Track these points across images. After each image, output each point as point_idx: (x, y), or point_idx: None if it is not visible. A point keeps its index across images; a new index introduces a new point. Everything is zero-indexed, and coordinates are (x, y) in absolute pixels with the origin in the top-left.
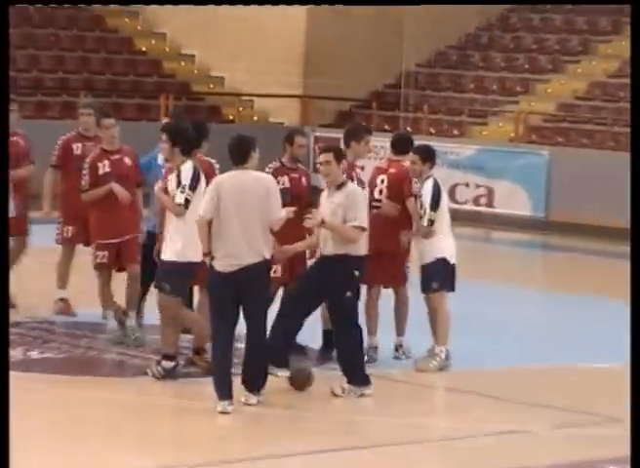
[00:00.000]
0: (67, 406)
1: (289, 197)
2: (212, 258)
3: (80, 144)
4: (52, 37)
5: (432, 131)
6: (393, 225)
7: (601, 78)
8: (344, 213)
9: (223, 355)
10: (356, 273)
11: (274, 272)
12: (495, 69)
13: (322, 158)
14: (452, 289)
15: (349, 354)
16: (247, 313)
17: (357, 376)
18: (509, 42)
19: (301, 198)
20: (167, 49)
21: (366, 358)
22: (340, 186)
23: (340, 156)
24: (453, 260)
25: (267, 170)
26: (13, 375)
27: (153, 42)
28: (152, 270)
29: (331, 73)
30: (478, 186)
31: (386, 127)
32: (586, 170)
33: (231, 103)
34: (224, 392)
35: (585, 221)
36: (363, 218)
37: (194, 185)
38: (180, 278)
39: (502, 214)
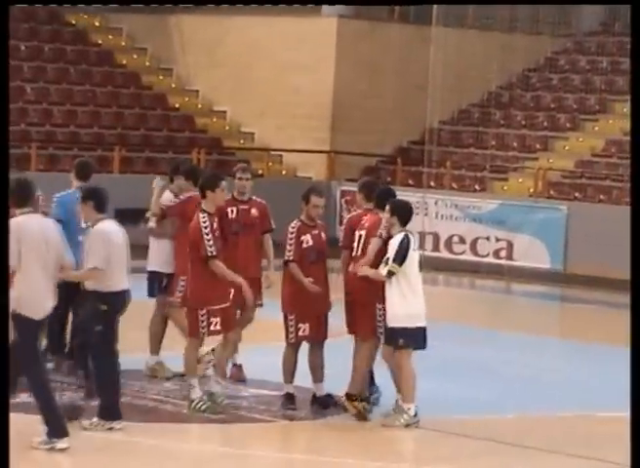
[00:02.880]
0: (102, 450)
1: (314, 254)
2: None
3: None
4: (89, 93)
5: (455, 186)
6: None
7: (618, 136)
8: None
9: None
10: (103, 308)
11: (303, 331)
12: (515, 127)
13: None
14: (422, 346)
15: (102, 386)
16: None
17: (107, 410)
18: (529, 101)
19: (323, 253)
20: (199, 105)
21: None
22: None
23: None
24: (421, 323)
25: (291, 229)
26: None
27: (186, 99)
28: None
29: (357, 129)
30: (499, 240)
31: (410, 182)
32: (603, 224)
33: (261, 158)
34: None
35: (602, 274)
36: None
37: None
38: None
39: (522, 266)
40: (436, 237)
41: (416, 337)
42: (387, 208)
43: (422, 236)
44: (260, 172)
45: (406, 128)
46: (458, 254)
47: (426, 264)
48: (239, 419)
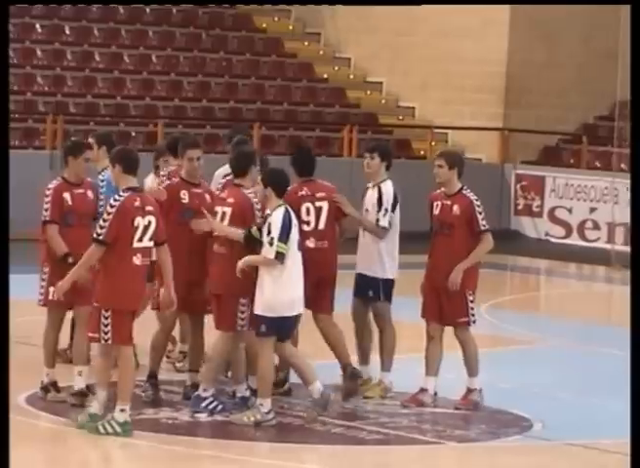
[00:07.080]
0: None
1: None
2: None
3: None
4: (223, 62)
5: None
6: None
7: None
8: None
9: None
10: None
11: None
12: None
13: None
14: (287, 336)
15: None
16: None
17: None
18: None
19: None
20: (351, 76)
21: None
22: None
23: None
24: (293, 313)
25: None
26: (178, 440)
27: (336, 68)
28: None
29: (535, 103)
30: None
31: (598, 164)
32: None
33: (423, 137)
34: None
35: None
36: None
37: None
38: None
39: None
40: (629, 229)
41: (282, 326)
42: (260, 178)
43: (612, 228)
44: (421, 152)
45: (592, 101)
46: None
47: (619, 261)
48: (398, 440)
